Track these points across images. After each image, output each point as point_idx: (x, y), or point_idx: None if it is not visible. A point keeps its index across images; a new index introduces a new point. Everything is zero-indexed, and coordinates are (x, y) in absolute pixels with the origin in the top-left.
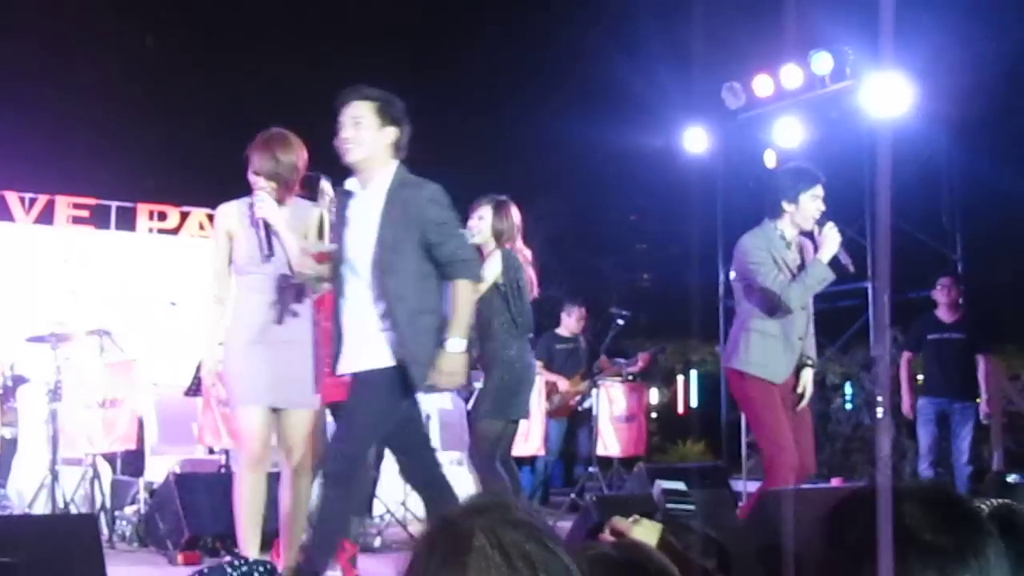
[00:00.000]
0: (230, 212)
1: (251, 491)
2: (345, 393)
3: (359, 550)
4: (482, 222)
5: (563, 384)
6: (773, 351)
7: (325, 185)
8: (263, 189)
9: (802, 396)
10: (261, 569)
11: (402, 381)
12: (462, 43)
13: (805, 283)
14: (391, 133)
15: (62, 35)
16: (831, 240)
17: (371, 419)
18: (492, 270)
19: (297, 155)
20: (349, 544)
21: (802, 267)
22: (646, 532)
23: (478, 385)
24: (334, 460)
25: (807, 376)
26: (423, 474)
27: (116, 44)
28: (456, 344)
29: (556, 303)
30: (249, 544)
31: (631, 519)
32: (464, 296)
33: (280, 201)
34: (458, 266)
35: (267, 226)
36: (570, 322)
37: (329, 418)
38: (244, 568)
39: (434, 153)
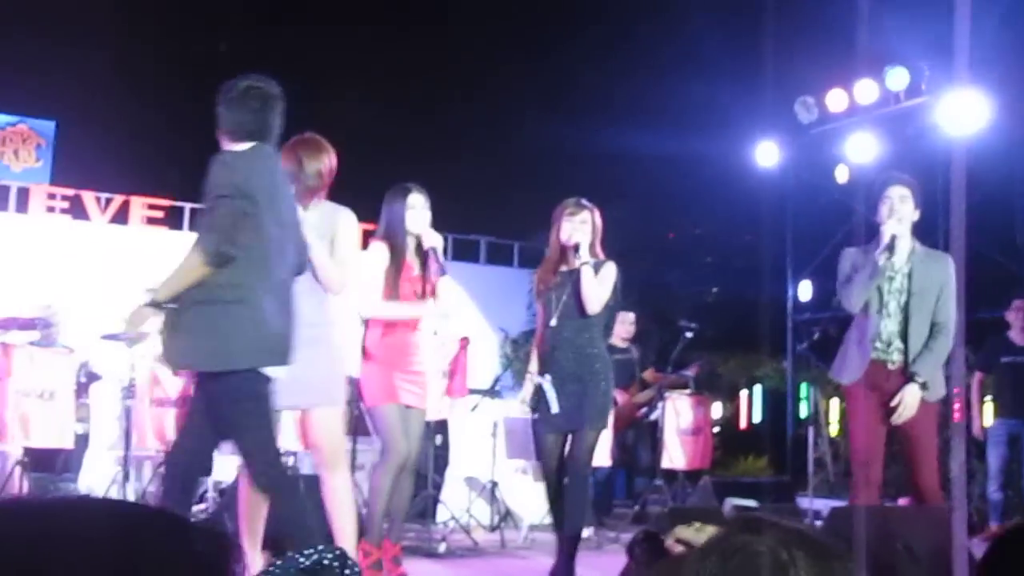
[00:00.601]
0: None
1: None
2: (417, 399)
3: (423, 555)
4: (585, 225)
5: (621, 397)
6: (848, 354)
7: (415, 198)
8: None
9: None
10: (330, 555)
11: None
12: (532, 52)
13: (856, 280)
14: (222, 124)
15: (135, 38)
16: (884, 237)
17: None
18: (613, 277)
19: (323, 161)
20: (390, 544)
21: (910, 276)
22: None
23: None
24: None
25: (907, 392)
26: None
27: (190, 47)
28: (145, 294)
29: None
30: (249, 542)
31: (694, 527)
32: (185, 261)
33: (302, 205)
34: (199, 234)
35: None
36: (620, 329)
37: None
38: (315, 556)
39: (503, 163)
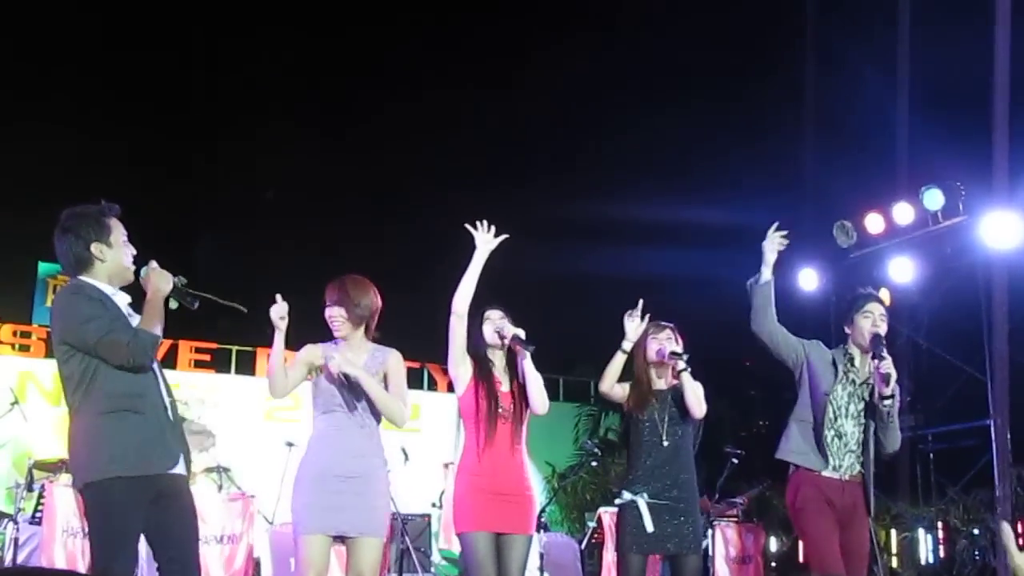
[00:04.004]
0: (316, 351)
1: None
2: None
3: None
4: (670, 341)
5: None
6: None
7: (491, 312)
8: (334, 317)
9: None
10: None
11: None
12: (568, 179)
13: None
14: None
15: (179, 188)
16: (883, 371)
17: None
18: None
19: (372, 298)
20: None
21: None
22: None
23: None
24: None
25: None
26: None
27: (235, 195)
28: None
29: None
30: None
31: None
32: None
33: (350, 328)
34: None
35: (347, 377)
36: None
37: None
38: None
39: (545, 296)
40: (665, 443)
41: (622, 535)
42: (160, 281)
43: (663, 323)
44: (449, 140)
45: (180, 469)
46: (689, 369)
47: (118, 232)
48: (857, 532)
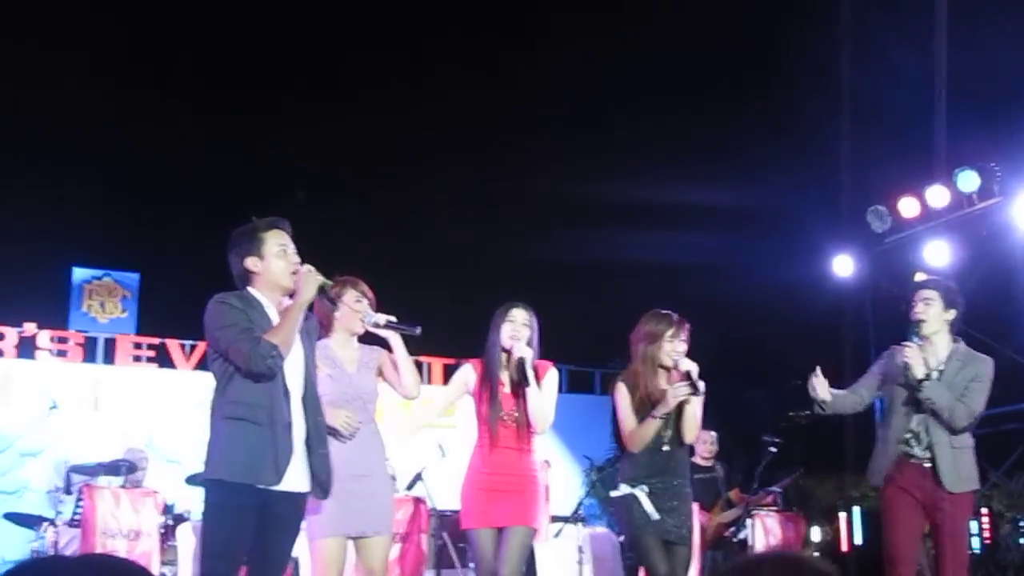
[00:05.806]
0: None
1: None
2: (517, 517)
3: None
4: (684, 346)
5: (703, 517)
6: (876, 455)
7: (516, 313)
8: (368, 313)
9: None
10: None
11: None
12: (601, 168)
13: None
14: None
15: (212, 192)
16: (907, 359)
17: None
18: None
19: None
20: None
21: (942, 373)
22: None
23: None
24: None
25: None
26: None
27: (267, 199)
28: None
29: None
30: None
31: None
32: None
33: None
34: None
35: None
36: (703, 448)
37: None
38: None
39: (581, 289)
40: (665, 448)
41: (629, 522)
42: (305, 286)
43: (683, 322)
44: (487, 118)
45: (289, 487)
46: (701, 395)
47: (273, 243)
48: (948, 513)
